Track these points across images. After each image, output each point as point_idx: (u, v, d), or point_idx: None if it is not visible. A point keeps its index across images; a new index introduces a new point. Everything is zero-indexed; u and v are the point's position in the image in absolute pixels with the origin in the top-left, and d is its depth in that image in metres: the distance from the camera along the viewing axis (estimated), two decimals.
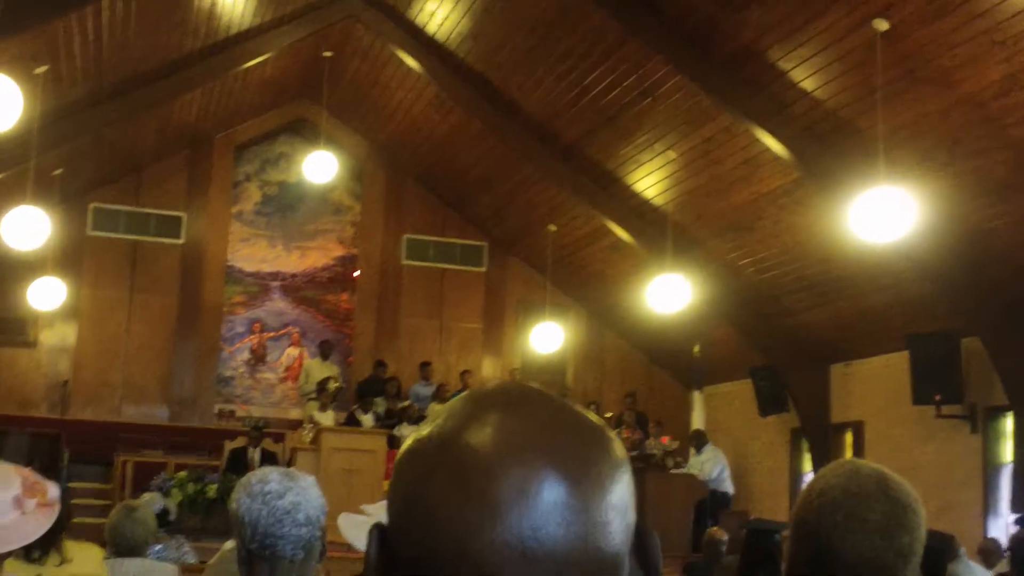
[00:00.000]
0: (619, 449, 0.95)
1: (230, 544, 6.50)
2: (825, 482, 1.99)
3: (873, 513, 1.92)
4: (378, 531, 0.94)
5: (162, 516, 7.11)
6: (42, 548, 4.39)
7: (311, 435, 13.28)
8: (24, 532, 3.34)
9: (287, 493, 2.97)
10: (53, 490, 3.46)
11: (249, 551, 2.97)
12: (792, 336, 13.94)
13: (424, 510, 0.89)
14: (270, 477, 3.05)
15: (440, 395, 16.11)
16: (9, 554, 3.50)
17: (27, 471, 3.46)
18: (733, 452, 15.07)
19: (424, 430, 0.94)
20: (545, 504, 0.87)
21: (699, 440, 14.86)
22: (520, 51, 12.75)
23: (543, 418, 0.92)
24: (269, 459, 13.58)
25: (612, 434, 0.95)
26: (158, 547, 6.61)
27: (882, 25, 9.20)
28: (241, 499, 2.99)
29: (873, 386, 13.31)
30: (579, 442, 0.92)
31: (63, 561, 4.51)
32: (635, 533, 0.94)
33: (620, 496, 0.92)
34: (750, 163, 11.92)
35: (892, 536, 1.93)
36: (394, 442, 13.54)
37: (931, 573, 1.97)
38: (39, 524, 3.38)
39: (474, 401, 0.95)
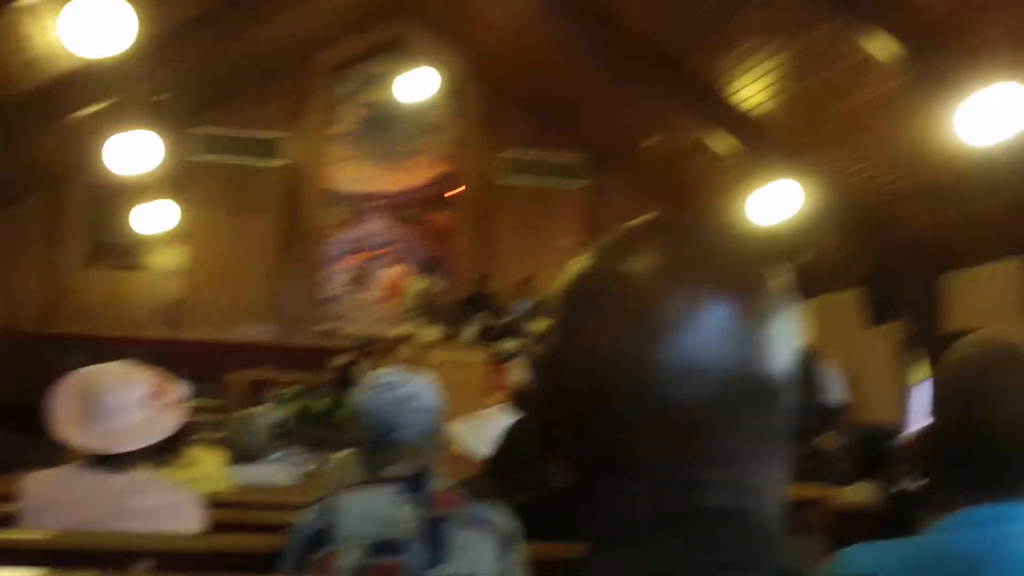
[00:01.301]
0: (785, 277, 0.95)
1: (342, 454, 6.64)
2: (963, 351, 1.95)
3: (1014, 377, 1.87)
4: (535, 363, 0.96)
5: (278, 427, 7.24)
6: (170, 451, 4.49)
7: (414, 350, 13.42)
8: (152, 430, 3.42)
9: (406, 384, 3.10)
10: (180, 390, 3.54)
11: (369, 440, 3.05)
12: (903, 244, 13.65)
13: (587, 336, 0.91)
14: (390, 371, 3.16)
15: (539, 311, 16.08)
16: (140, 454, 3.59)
17: (154, 371, 3.54)
18: (842, 363, 14.86)
19: (578, 264, 0.95)
20: (708, 324, 0.88)
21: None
22: None
23: (703, 242, 0.93)
24: None
25: (776, 263, 0.95)
26: (275, 455, 6.75)
27: None
28: (363, 392, 3.09)
29: (987, 294, 12.99)
30: (744, 266, 0.92)
31: (188, 464, 4.61)
32: (799, 359, 0.94)
33: (783, 320, 0.92)
34: (859, 67, 11.59)
35: None
36: (497, 356, 13.61)
37: None
38: (167, 422, 3.46)
39: (633, 230, 0.96)
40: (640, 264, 0.90)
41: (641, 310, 0.88)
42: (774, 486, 0.92)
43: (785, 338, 0.92)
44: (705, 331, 0.87)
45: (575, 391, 0.91)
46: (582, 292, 0.93)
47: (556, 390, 0.93)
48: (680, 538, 0.87)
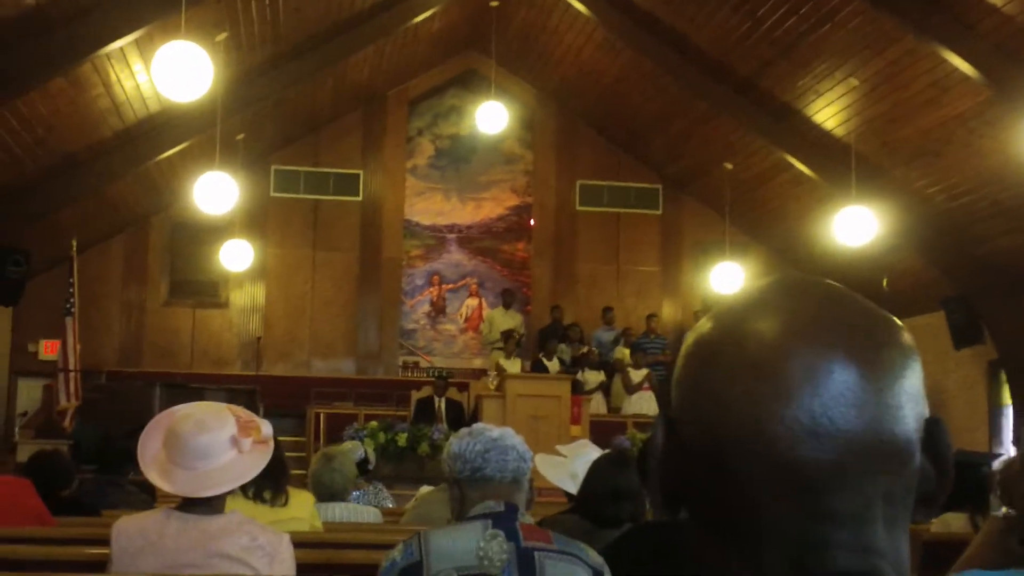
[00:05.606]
0: (909, 337, 0.94)
1: (425, 489, 6.65)
2: None
3: None
4: (664, 418, 0.96)
5: (361, 464, 7.26)
6: (273, 490, 4.52)
7: (496, 383, 13.41)
8: (242, 471, 3.42)
9: (495, 431, 3.15)
10: (266, 428, 3.54)
11: (458, 481, 3.06)
12: (986, 264, 13.40)
13: (713, 393, 0.91)
14: (479, 424, 3.22)
15: (625, 339, 16.11)
16: (230, 492, 3.61)
17: (240, 410, 3.54)
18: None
19: (706, 323, 0.96)
20: (836, 385, 0.88)
21: None
22: None
23: (830, 303, 0.93)
24: (454, 408, 13.77)
25: (900, 323, 0.95)
26: (357, 492, 6.76)
27: None
28: (453, 441, 3.17)
29: None
30: (869, 326, 0.92)
31: (284, 503, 4.63)
32: (925, 424, 0.93)
33: (912, 383, 0.92)
34: (937, 85, 11.45)
35: None
36: (577, 387, 13.54)
37: None
38: (256, 462, 3.45)
39: (756, 291, 0.96)
40: (767, 324, 0.91)
41: (767, 370, 0.89)
42: (902, 549, 0.92)
43: (912, 400, 0.92)
44: (831, 393, 0.87)
45: (698, 448, 0.92)
46: (708, 350, 0.93)
47: (679, 446, 0.94)
48: None
